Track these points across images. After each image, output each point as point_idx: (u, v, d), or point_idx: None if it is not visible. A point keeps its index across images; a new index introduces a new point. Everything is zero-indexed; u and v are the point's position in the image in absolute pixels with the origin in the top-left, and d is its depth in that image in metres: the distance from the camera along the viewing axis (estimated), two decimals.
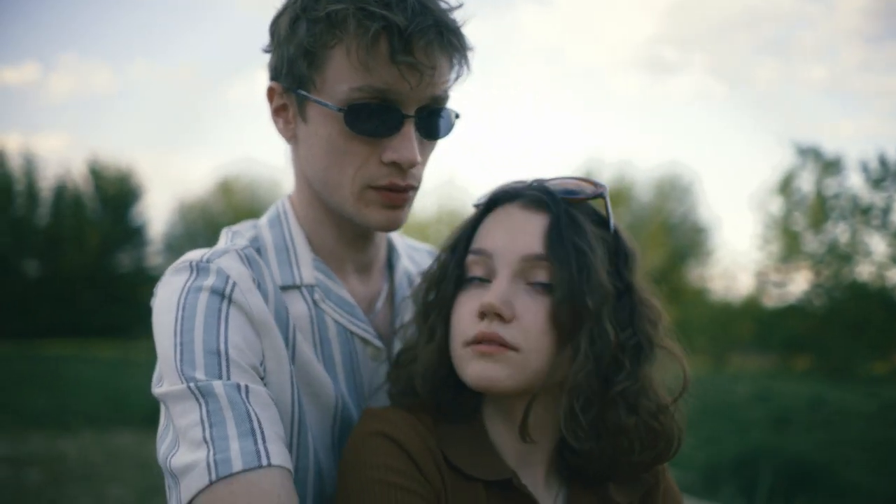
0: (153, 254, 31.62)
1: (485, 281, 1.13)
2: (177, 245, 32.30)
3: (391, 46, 1.10)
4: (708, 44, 45.81)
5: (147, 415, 9.74)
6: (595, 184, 1.18)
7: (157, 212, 47.09)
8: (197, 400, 1.01)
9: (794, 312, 24.36)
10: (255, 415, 1.02)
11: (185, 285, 1.11)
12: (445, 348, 1.16)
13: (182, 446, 1.01)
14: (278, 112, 1.24)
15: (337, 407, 1.21)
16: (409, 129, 1.16)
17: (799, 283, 24.77)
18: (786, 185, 24.23)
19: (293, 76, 1.18)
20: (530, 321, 1.09)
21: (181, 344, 1.05)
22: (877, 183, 23.36)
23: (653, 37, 46.95)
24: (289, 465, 1.01)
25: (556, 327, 1.10)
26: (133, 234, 30.28)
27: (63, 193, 29.27)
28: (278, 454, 1.00)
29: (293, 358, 1.18)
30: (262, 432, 1.00)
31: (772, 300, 25.62)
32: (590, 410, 1.10)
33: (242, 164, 44.05)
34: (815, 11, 42.02)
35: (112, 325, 26.24)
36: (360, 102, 1.13)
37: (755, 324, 25.27)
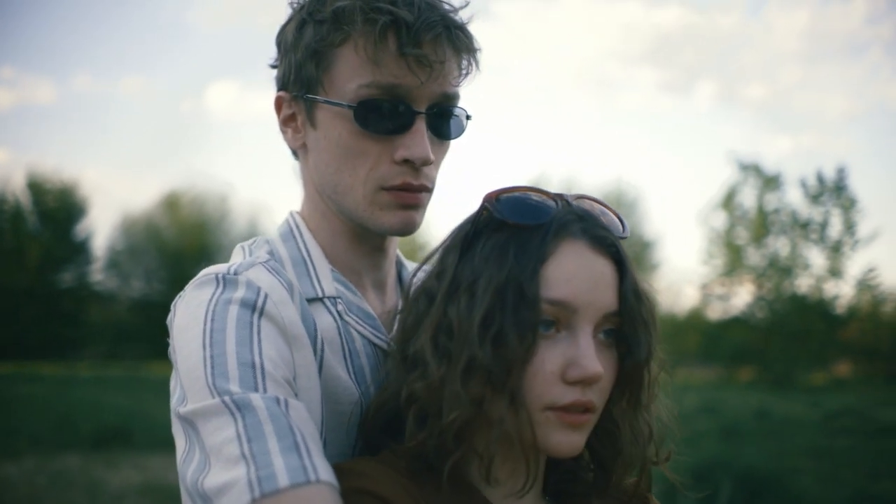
0: (97, 270, 30.92)
1: (555, 330, 1.03)
2: (120, 261, 31.62)
3: (399, 40, 1.10)
4: (652, 61, 46.85)
5: (95, 436, 9.50)
6: (613, 211, 1.14)
7: (101, 227, 46.04)
8: (232, 414, 0.95)
9: (737, 325, 24.92)
10: (298, 429, 0.96)
11: (212, 298, 1.06)
12: (473, 390, 1.03)
13: (215, 465, 0.94)
14: (286, 122, 1.22)
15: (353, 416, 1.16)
16: (421, 126, 1.14)
17: (742, 296, 25.37)
18: (729, 201, 24.83)
19: (301, 81, 1.17)
20: (607, 380, 1.05)
21: (212, 357, 1.00)
22: (815, 198, 24.12)
23: (599, 54, 47.80)
24: (335, 481, 0.95)
25: (618, 381, 1.07)
26: (76, 250, 29.54)
27: (1, 208, 28.44)
28: (325, 469, 0.94)
29: (320, 371, 1.12)
30: (307, 446, 0.94)
31: (716, 313, 26.18)
32: (606, 439, 1.11)
33: (189, 179, 43.38)
34: (755, 32, 43.33)
35: (54, 343, 25.50)
36: (370, 99, 1.12)
37: (700, 336, 25.77)
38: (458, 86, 1.18)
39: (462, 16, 1.17)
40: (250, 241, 1.26)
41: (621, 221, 1.13)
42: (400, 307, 1.18)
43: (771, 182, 24.54)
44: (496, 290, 1.02)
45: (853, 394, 17.02)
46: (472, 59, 1.18)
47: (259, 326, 1.04)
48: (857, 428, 10.65)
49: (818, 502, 6.57)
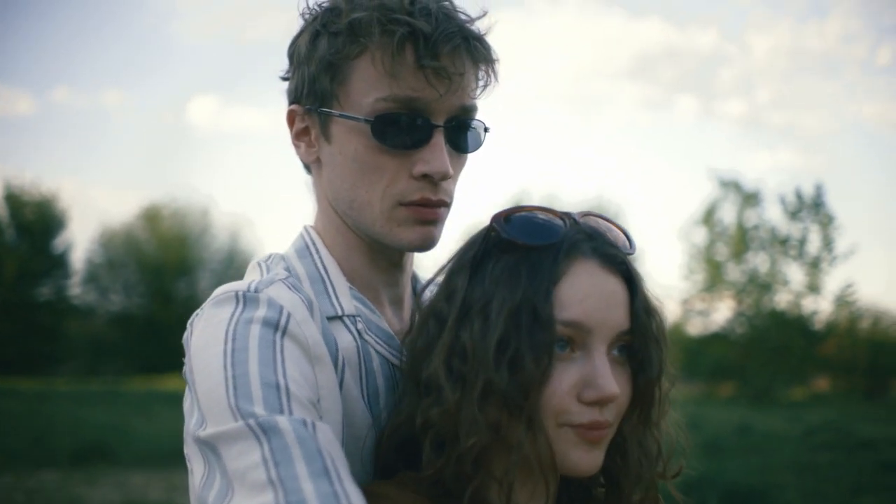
0: (75, 284, 30.59)
1: (570, 351, 1.03)
2: (99, 275, 31.32)
3: (417, 52, 1.08)
4: (633, 77, 47.30)
5: (74, 453, 9.37)
6: (620, 228, 1.15)
7: (80, 240, 45.55)
8: (257, 438, 0.91)
9: (717, 340, 25.07)
10: (328, 452, 0.92)
11: (232, 316, 1.03)
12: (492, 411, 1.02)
13: (240, 491, 0.90)
14: (299, 136, 1.20)
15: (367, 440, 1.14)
16: (439, 140, 1.12)
17: (722, 312, 25.53)
18: (709, 217, 25.05)
19: (315, 94, 1.14)
20: (622, 398, 1.05)
21: (233, 377, 0.96)
22: (793, 215, 24.40)
23: (580, 70, 48.18)
24: None
25: (634, 397, 1.08)
26: (54, 263, 29.22)
27: None
28: (357, 496, 0.91)
29: (340, 393, 1.10)
30: (338, 471, 0.91)
31: (696, 328, 26.33)
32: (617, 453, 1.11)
33: (170, 192, 43.17)
34: (733, 49, 43.88)
35: (31, 357, 25.14)
36: (387, 113, 1.10)
37: (681, 352, 25.86)
38: (476, 98, 1.16)
39: (480, 26, 1.15)
40: (265, 257, 1.23)
41: (628, 238, 1.13)
42: (408, 328, 1.17)
43: (750, 198, 24.80)
44: (510, 313, 1.02)
45: (832, 409, 17.16)
46: (490, 71, 1.16)
47: (282, 346, 1.00)
48: (837, 443, 10.73)
49: None
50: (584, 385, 1.02)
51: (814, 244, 24.18)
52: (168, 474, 8.59)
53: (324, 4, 1.16)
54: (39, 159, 44.28)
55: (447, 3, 1.15)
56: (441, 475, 1.04)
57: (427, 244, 1.16)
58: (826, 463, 9.26)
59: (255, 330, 1.01)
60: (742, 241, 24.54)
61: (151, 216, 32.41)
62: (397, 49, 1.08)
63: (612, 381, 1.01)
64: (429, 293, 1.18)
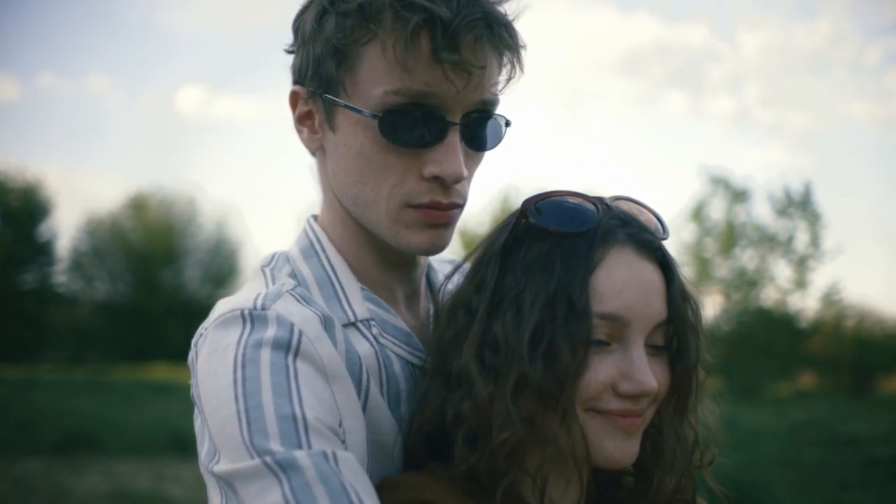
0: (60, 271, 30.36)
1: (607, 343, 1.00)
2: (84, 263, 31.11)
3: (434, 42, 0.97)
4: (622, 73, 47.34)
5: (59, 441, 9.30)
6: (652, 211, 1.10)
7: (65, 228, 45.18)
8: (276, 476, 0.85)
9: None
10: (352, 487, 0.86)
11: (240, 340, 0.95)
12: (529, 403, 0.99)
13: None
14: (302, 120, 1.10)
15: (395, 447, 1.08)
16: (454, 139, 1.02)
17: (709, 308, 25.53)
18: (697, 213, 25.12)
19: (320, 78, 1.04)
20: (660, 390, 1.02)
21: (246, 410, 0.89)
22: (781, 212, 24.50)
23: (569, 65, 48.17)
24: None
25: (672, 387, 1.05)
26: (39, 251, 28.98)
27: None
28: None
29: (364, 408, 1.03)
30: None
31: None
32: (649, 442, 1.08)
33: (157, 180, 42.89)
34: (722, 47, 44.00)
35: (15, 346, 24.93)
36: (397, 108, 0.99)
37: None
38: (499, 91, 1.06)
39: (507, 9, 1.04)
40: (269, 261, 1.14)
41: (660, 222, 1.09)
42: (433, 320, 1.13)
43: (739, 195, 24.88)
44: (545, 303, 0.98)
45: (817, 405, 17.28)
46: (516, 61, 1.05)
47: (296, 370, 0.93)
48: (823, 439, 10.80)
49: None
50: (621, 378, 0.98)
51: (801, 242, 24.29)
52: (154, 463, 8.56)
53: None
54: (24, 145, 43.91)
55: None
56: (474, 470, 1.00)
57: (436, 248, 1.08)
58: (812, 459, 9.31)
59: (266, 355, 0.93)
60: (730, 237, 24.62)
61: (138, 204, 32.18)
62: (411, 38, 0.97)
63: (650, 375, 0.98)
64: (451, 284, 1.12)
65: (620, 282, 0.99)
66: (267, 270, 1.11)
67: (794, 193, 24.51)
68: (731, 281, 24.79)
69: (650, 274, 1.02)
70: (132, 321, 28.44)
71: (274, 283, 1.08)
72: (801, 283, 24.14)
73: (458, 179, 1.03)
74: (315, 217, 1.18)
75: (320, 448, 0.88)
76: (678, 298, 1.03)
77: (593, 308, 0.98)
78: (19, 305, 26.92)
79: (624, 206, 1.08)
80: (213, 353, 0.96)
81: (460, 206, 1.08)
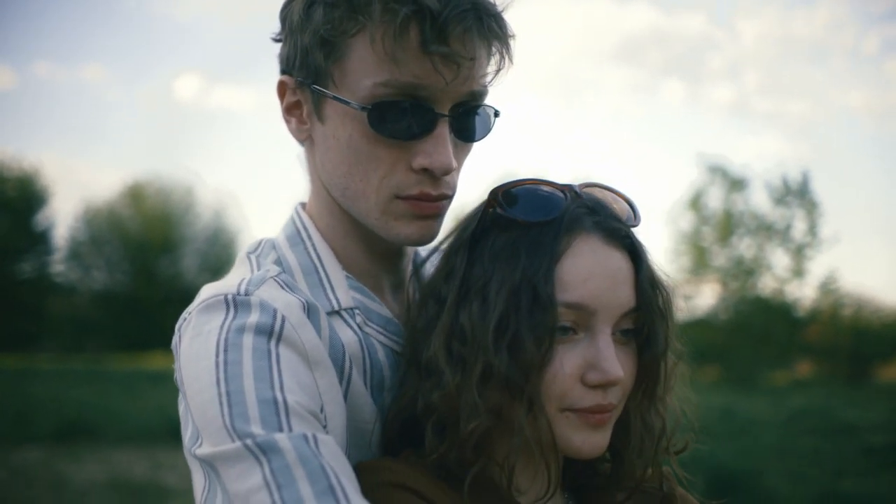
0: (57, 261, 30.35)
1: (573, 332, 1.00)
2: (81, 252, 31.09)
3: (423, 34, 0.96)
4: (620, 61, 47.23)
5: (57, 430, 9.31)
6: (624, 197, 1.10)
7: (62, 217, 45.10)
8: (257, 459, 0.86)
9: (702, 325, 25.21)
10: (332, 468, 0.87)
11: (223, 325, 0.96)
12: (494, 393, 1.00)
13: None
14: (290, 110, 1.09)
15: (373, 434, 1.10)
16: (444, 131, 1.02)
17: (706, 297, 25.69)
18: (695, 202, 25.13)
19: (308, 69, 1.03)
20: (627, 378, 1.02)
21: (227, 394, 0.90)
22: (779, 201, 24.52)
23: (566, 53, 48.07)
24: None
25: (640, 374, 1.04)
26: (36, 240, 28.95)
27: None
28: None
29: (346, 394, 1.04)
30: (343, 489, 0.86)
31: (681, 313, 26.42)
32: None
33: (154, 169, 42.83)
34: (721, 35, 43.89)
35: (13, 335, 24.94)
36: (387, 100, 0.99)
37: None
38: (488, 83, 1.06)
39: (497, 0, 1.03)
40: (255, 247, 1.15)
41: (632, 208, 1.08)
42: (405, 307, 1.13)
43: (737, 184, 24.89)
44: (509, 294, 0.98)
45: (814, 394, 17.33)
46: (505, 52, 1.05)
47: (278, 355, 0.94)
48: (820, 427, 10.84)
49: (785, 500, 6.65)
50: (588, 368, 0.98)
51: (799, 230, 24.34)
52: (152, 451, 8.57)
53: None
54: (21, 134, 43.79)
55: None
56: (444, 459, 1.00)
57: (425, 239, 1.08)
58: (809, 447, 9.34)
59: (248, 339, 0.94)
60: (728, 226, 24.65)
61: (135, 193, 32.14)
62: (400, 30, 0.96)
63: (616, 364, 0.97)
64: (429, 266, 1.13)
65: (586, 271, 0.99)
66: (252, 257, 1.12)
67: (792, 182, 24.55)
68: (729, 270, 24.83)
69: (617, 262, 1.01)
70: (130, 310, 28.44)
71: (259, 269, 1.08)
72: (798, 272, 24.20)
73: (448, 171, 1.03)
74: (303, 205, 1.17)
75: (301, 431, 0.89)
76: (646, 286, 1.02)
77: (559, 297, 0.97)
78: (17, 295, 26.91)
79: (596, 192, 1.08)
80: (196, 338, 0.97)
81: (449, 197, 1.08)
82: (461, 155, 1.08)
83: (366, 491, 0.92)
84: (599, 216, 1.03)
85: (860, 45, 41.78)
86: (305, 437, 0.88)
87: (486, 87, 1.05)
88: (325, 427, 0.96)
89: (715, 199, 25.12)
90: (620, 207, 1.07)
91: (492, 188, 1.05)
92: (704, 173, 25.27)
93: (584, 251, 1.00)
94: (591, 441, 1.00)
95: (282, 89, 1.09)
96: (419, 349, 1.05)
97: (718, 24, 44.62)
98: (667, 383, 1.07)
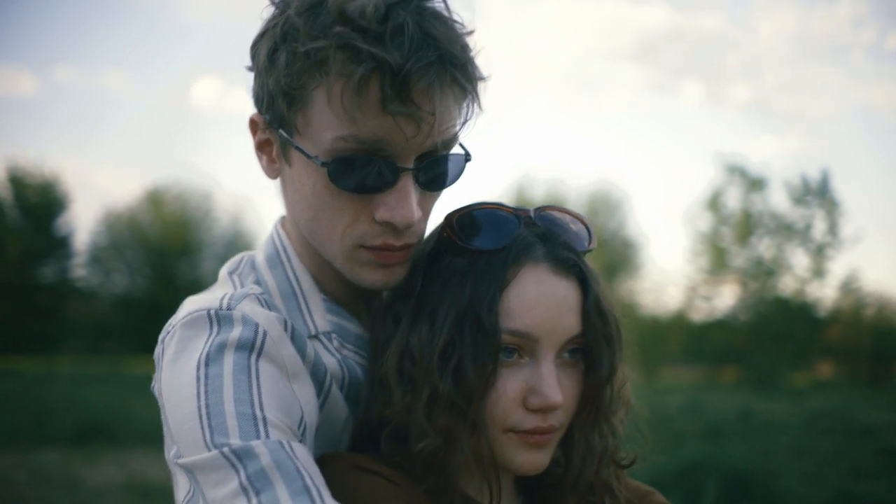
0: (78, 265, 30.64)
1: (517, 357, 1.03)
2: (102, 257, 31.38)
3: (383, 92, 0.93)
4: (638, 60, 47.05)
5: (75, 432, 9.40)
6: (582, 220, 1.11)
7: (83, 222, 45.56)
8: (233, 465, 0.88)
9: (721, 326, 25.05)
10: (306, 470, 0.89)
11: (206, 340, 0.97)
12: (441, 411, 1.03)
13: None
14: (262, 147, 1.09)
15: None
16: (407, 184, 1.00)
17: (726, 297, 25.52)
18: (714, 202, 24.96)
19: (274, 113, 1.03)
20: (570, 401, 1.05)
21: (207, 406, 0.91)
22: (798, 200, 24.29)
23: (584, 53, 47.96)
24: None
25: (584, 397, 1.07)
26: (57, 245, 29.25)
27: None
28: None
29: (323, 406, 1.07)
30: (318, 489, 0.87)
31: (700, 314, 26.30)
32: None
33: (173, 174, 43.14)
34: (739, 33, 43.60)
35: (34, 338, 25.23)
36: (347, 155, 0.97)
37: (684, 337, 25.89)
38: (456, 133, 1.03)
39: (466, 43, 1.00)
40: (236, 266, 1.16)
41: (588, 231, 1.10)
42: (372, 319, 1.16)
43: (756, 184, 24.69)
44: (455, 321, 1.01)
45: (835, 395, 17.15)
46: (472, 102, 1.02)
47: (258, 370, 0.95)
48: (839, 428, 10.72)
49: (801, 502, 6.59)
50: (530, 392, 1.01)
51: (819, 230, 24.09)
52: None
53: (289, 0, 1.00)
54: (42, 140, 44.27)
55: (433, 9, 0.99)
56: (399, 466, 1.04)
57: (390, 284, 1.08)
58: (828, 448, 9.24)
59: (230, 354, 0.95)
60: (746, 226, 24.46)
61: (155, 198, 32.40)
62: (358, 88, 0.93)
63: (556, 390, 1.00)
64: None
65: (530, 300, 1.01)
66: (235, 277, 1.13)
67: (812, 181, 24.31)
68: (748, 270, 24.64)
69: (563, 291, 1.03)
70: (149, 314, 28.57)
71: (241, 286, 1.10)
72: (818, 272, 23.96)
73: (410, 225, 1.02)
74: (283, 220, 1.18)
75: (276, 438, 0.90)
76: (593, 313, 1.04)
77: (503, 324, 1.00)
78: (38, 299, 27.19)
79: (553, 216, 1.09)
80: (180, 353, 0.98)
81: (414, 245, 1.07)
82: (429, 203, 1.07)
83: (330, 478, 0.94)
84: (549, 245, 1.05)
85: (882, 41, 41.35)
86: (281, 443, 0.90)
87: (454, 135, 1.03)
88: (301, 439, 0.97)
89: (733, 199, 24.95)
90: (578, 229, 1.09)
91: (448, 213, 1.07)
92: (722, 173, 25.12)
93: (530, 280, 1.02)
94: (531, 460, 1.04)
95: (253, 127, 1.09)
96: (378, 363, 1.09)
97: (736, 23, 44.32)
98: (610, 406, 1.09)
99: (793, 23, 41.98)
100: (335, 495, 0.91)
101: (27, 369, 19.26)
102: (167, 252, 30.92)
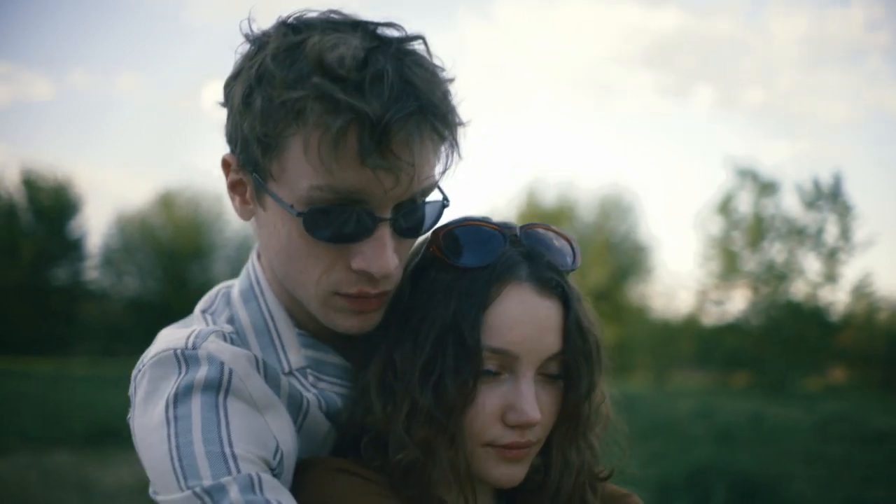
0: (91, 268, 30.80)
1: (497, 374, 1.04)
2: (114, 259, 31.54)
3: (361, 144, 0.91)
4: (651, 65, 46.95)
5: (87, 433, 9.45)
6: (567, 238, 1.12)
7: (95, 225, 45.76)
8: (203, 502, 0.91)
9: (732, 330, 24.91)
10: (276, 500, 0.91)
11: (174, 382, 0.98)
12: (420, 423, 1.04)
13: None
14: (234, 187, 1.06)
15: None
16: (384, 234, 0.98)
17: (737, 302, 25.38)
18: (726, 205, 24.84)
19: (248, 156, 1.00)
20: (547, 417, 1.07)
21: (177, 448, 0.93)
22: (811, 205, 24.15)
23: (597, 57, 47.89)
24: None
25: (562, 413, 1.09)
26: (70, 248, 29.42)
27: None
28: None
29: (301, 426, 1.09)
30: None
31: (711, 318, 26.18)
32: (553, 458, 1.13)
33: (185, 177, 43.30)
34: (753, 37, 43.43)
35: (47, 340, 25.38)
36: (322, 206, 0.95)
37: (695, 341, 25.78)
38: (434, 182, 1.02)
39: (447, 89, 0.99)
40: (210, 304, 1.16)
41: (573, 249, 1.11)
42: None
43: (768, 188, 24.55)
44: (437, 337, 1.03)
45: (847, 400, 17.03)
46: (452, 151, 1.01)
47: (226, 408, 0.97)
48: (851, 434, 10.64)
49: None
50: (508, 408, 1.03)
51: (831, 234, 23.93)
52: None
53: (266, 39, 0.99)
54: (55, 143, 44.56)
55: (413, 54, 0.97)
56: (381, 470, 1.06)
57: (365, 329, 1.08)
58: (839, 454, 9.18)
59: (197, 395, 0.97)
60: (758, 230, 24.33)
61: (167, 201, 32.54)
62: (336, 140, 0.91)
63: (534, 407, 1.02)
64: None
65: (513, 319, 1.03)
66: (207, 316, 1.13)
67: (824, 185, 24.16)
68: (760, 274, 24.50)
69: (545, 310, 1.05)
70: (161, 316, 28.53)
71: (211, 323, 1.10)
72: (830, 276, 23.80)
73: (387, 274, 1.01)
74: (259, 254, 1.17)
75: (247, 472, 0.93)
76: (573, 332, 1.06)
77: (485, 342, 1.02)
78: (51, 301, 27.35)
79: (538, 234, 1.10)
80: (151, 393, 1.00)
81: (389, 292, 1.06)
82: (405, 248, 1.06)
83: (311, 480, 0.98)
84: (533, 264, 1.06)
85: None
86: (250, 477, 0.92)
87: (432, 184, 1.02)
88: (274, 470, 0.99)
89: (745, 203, 24.82)
90: (562, 246, 1.11)
91: (435, 228, 1.08)
92: (734, 177, 24.98)
93: (513, 300, 1.04)
94: (508, 474, 1.06)
95: (226, 167, 1.06)
96: (362, 372, 1.10)
97: (749, 27, 44.16)
98: (588, 422, 1.11)
99: (807, 26, 41.81)
100: (315, 496, 0.95)
101: (40, 371, 19.37)
102: (179, 255, 31.03)
